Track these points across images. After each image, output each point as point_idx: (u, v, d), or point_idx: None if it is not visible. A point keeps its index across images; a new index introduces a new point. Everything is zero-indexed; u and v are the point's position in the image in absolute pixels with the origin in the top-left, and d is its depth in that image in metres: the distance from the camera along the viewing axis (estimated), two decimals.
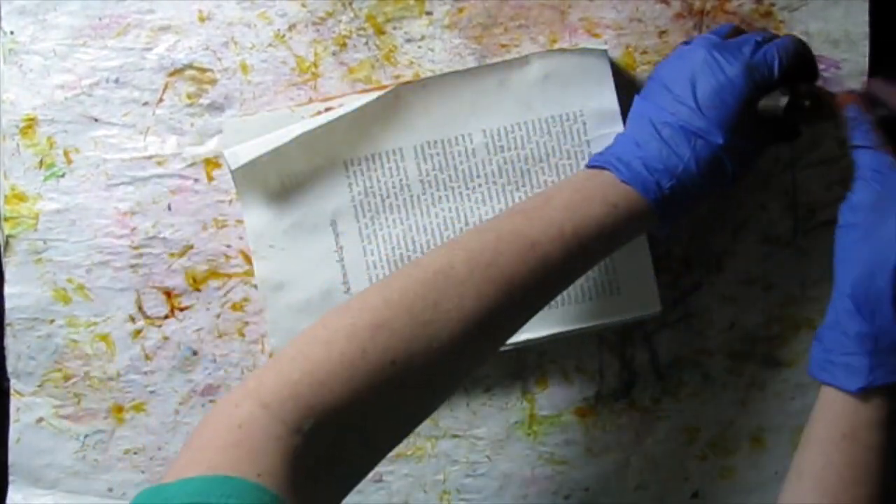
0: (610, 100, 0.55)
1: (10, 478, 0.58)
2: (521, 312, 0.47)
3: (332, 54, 0.56)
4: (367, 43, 0.56)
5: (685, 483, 0.60)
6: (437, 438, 0.59)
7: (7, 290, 0.57)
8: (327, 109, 0.55)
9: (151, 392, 0.58)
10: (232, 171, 0.54)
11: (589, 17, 0.57)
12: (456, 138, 0.56)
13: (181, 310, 0.58)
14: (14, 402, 0.58)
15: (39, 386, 0.58)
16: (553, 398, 0.59)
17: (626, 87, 0.56)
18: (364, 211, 0.56)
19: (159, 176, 0.57)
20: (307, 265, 0.56)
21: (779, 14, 0.56)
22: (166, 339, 0.58)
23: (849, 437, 0.48)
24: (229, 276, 0.57)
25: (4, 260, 0.57)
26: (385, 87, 0.55)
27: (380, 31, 0.56)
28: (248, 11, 0.56)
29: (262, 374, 0.41)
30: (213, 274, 0.57)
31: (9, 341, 0.57)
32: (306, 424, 0.39)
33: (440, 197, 0.56)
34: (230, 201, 0.57)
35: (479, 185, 0.56)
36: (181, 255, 0.57)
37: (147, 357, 0.58)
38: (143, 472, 0.58)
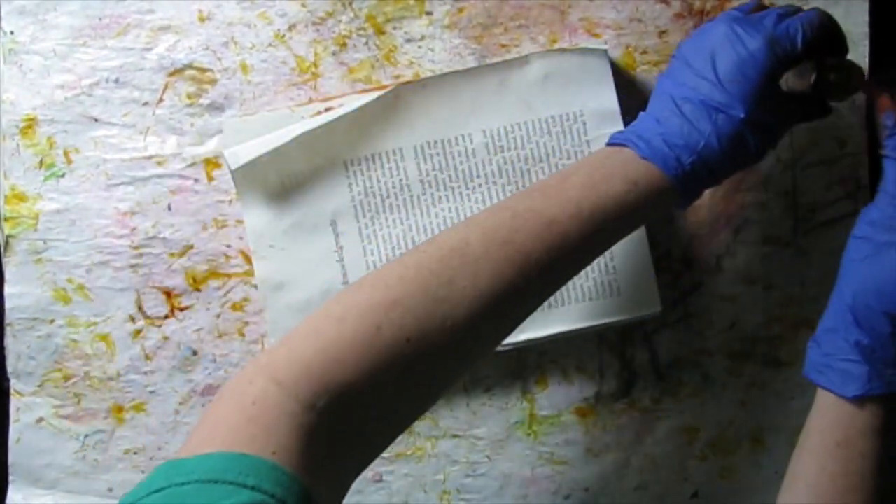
0: (610, 100, 0.55)
1: (10, 478, 0.58)
2: (538, 291, 0.46)
3: (332, 54, 0.56)
4: (367, 43, 0.56)
5: (685, 483, 0.60)
6: (437, 438, 0.59)
7: (7, 290, 0.57)
8: (327, 109, 0.55)
9: (151, 392, 0.58)
10: (232, 171, 0.54)
11: (589, 17, 0.57)
12: (456, 138, 0.56)
13: (181, 310, 0.58)
14: (14, 402, 0.58)
15: (39, 386, 0.58)
16: (553, 398, 0.59)
17: (626, 87, 0.56)
18: (364, 211, 0.56)
19: (159, 176, 0.57)
20: (307, 265, 0.56)
21: None
22: (166, 339, 0.58)
23: (843, 444, 0.48)
24: (229, 276, 0.57)
25: (4, 260, 0.57)
26: (385, 87, 0.55)
27: (380, 31, 0.56)
28: (248, 11, 0.56)
29: (275, 350, 0.41)
30: (213, 274, 0.57)
31: (9, 341, 0.57)
32: (320, 401, 0.39)
33: (440, 197, 0.56)
34: (230, 201, 0.57)
35: (479, 185, 0.56)
36: (181, 255, 0.57)
37: (147, 357, 0.58)
38: (143, 472, 0.58)
